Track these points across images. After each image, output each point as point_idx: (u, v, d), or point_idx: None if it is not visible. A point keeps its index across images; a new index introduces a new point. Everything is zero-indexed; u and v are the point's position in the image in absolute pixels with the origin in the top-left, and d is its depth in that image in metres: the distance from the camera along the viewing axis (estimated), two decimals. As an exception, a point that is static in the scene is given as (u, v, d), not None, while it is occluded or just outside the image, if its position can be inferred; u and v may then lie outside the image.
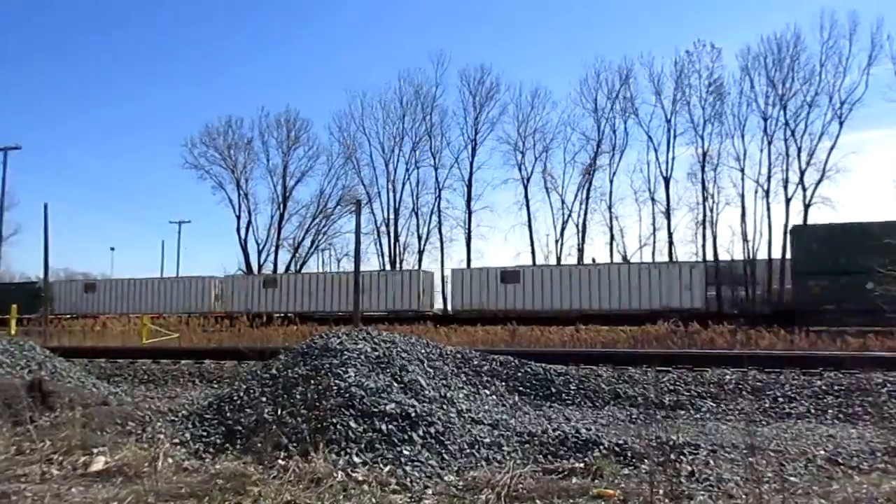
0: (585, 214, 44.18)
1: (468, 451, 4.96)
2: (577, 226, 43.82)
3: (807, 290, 25.31)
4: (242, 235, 51.47)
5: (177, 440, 5.38)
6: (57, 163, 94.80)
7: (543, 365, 8.44)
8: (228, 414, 5.70)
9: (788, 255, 30.25)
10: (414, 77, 49.90)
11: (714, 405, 7.65)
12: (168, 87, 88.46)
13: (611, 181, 43.65)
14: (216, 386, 9.43)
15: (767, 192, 39.65)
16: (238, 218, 51.57)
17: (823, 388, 8.02)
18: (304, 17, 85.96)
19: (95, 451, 5.01)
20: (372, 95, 53.33)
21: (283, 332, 24.78)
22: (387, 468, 4.52)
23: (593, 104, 44.48)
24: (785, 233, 33.01)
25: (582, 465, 4.74)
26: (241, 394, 6.00)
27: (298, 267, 48.61)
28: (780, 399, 7.74)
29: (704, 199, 41.16)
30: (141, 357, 12.10)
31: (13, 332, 22.15)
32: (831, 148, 37.68)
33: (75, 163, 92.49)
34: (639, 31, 73.33)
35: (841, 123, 37.41)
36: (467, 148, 47.07)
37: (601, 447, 5.12)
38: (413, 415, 5.20)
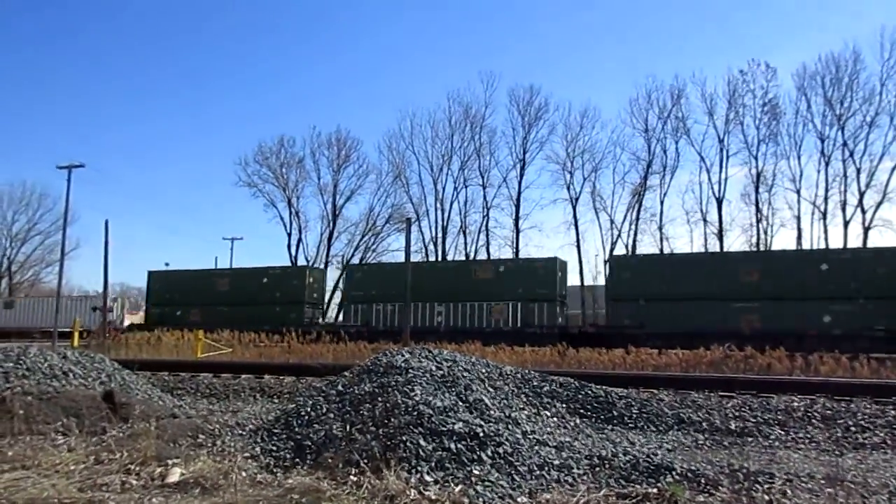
0: (635, 235, 43.86)
1: (538, 472, 4.92)
2: (626, 246, 43.47)
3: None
4: (293, 252, 52.54)
5: (247, 454, 5.47)
6: (115, 179, 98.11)
7: (605, 388, 8.34)
8: (297, 429, 5.77)
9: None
10: (463, 97, 50.59)
11: (783, 433, 7.43)
12: (223, 105, 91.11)
13: (661, 202, 43.35)
14: (276, 401, 9.57)
15: (825, 214, 38.85)
16: (289, 235, 52.71)
17: (899, 417, 7.74)
18: (355, 38, 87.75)
19: (170, 462, 5.12)
20: (421, 115, 54.20)
21: (333, 350, 25.03)
22: (458, 488, 4.51)
23: (644, 124, 44.36)
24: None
25: (655, 490, 4.65)
26: (309, 409, 6.08)
27: (346, 284, 49.39)
28: (853, 428, 7.48)
29: (758, 221, 40.54)
30: (202, 371, 12.38)
31: (75, 343, 22.88)
32: (893, 168, 36.77)
33: (133, 179, 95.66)
34: (691, 50, 73.04)
35: (903, 143, 36.51)
36: (516, 167, 47.32)
37: (673, 473, 5.02)
38: (481, 434, 5.19)
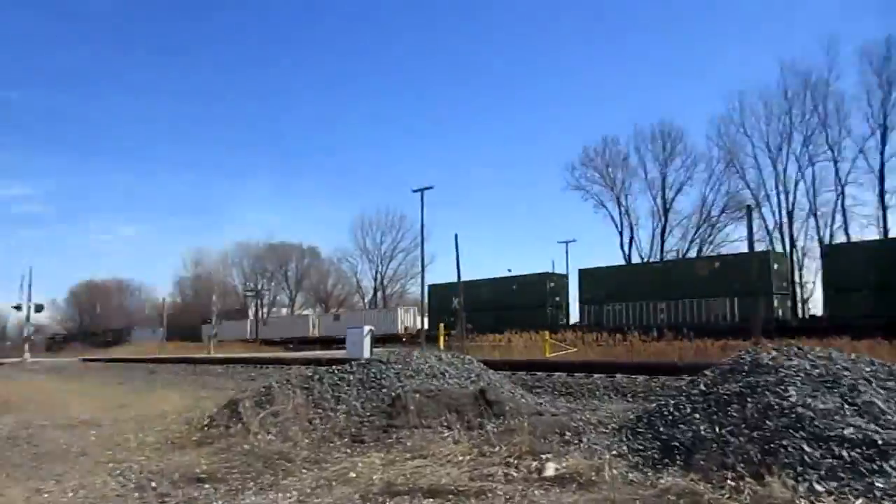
0: None
1: (964, 490, 4.16)
2: None
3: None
4: (626, 251, 52.35)
5: (615, 452, 5.54)
6: (462, 195, 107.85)
7: None
8: (661, 429, 5.69)
9: None
10: (800, 66, 45.31)
11: None
12: (548, 109, 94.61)
13: None
14: (631, 399, 9.58)
15: None
16: (620, 234, 52.62)
17: None
18: (670, 27, 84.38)
19: (544, 457, 5.43)
20: (751, 93, 49.43)
21: (679, 347, 24.27)
22: (859, 501, 4.03)
23: None
24: None
25: None
26: (671, 409, 5.95)
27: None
28: None
29: None
30: (555, 370, 12.94)
31: (441, 346, 25.57)
32: None
33: (475, 194, 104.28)
34: None
35: None
36: (875, 135, 41.00)
37: None
38: (880, 442, 4.57)
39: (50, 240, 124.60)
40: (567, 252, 56.77)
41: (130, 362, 31.65)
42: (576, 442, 6.01)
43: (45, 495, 5.13)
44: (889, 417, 5.20)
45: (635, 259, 50.64)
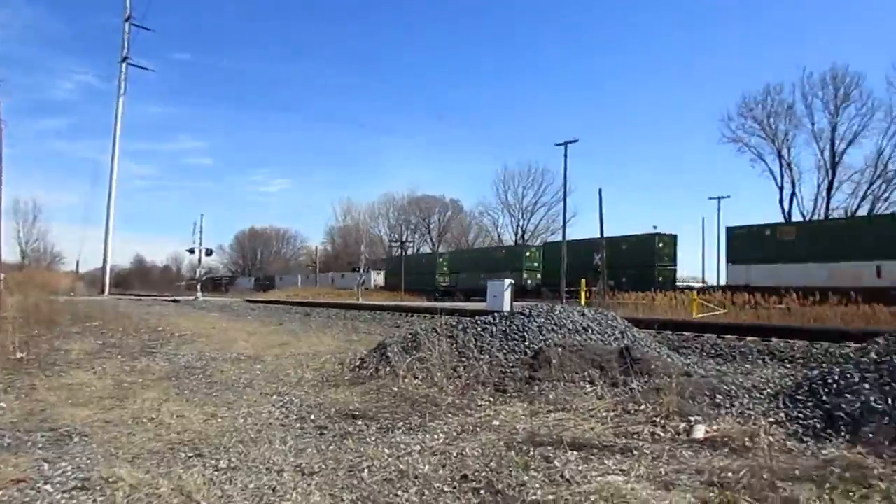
0: None
1: None
2: None
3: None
4: (786, 207, 48.97)
5: (771, 419, 5.27)
6: (608, 150, 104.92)
7: None
8: (825, 398, 5.32)
9: None
10: None
11: None
12: (702, 58, 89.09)
13: None
14: (789, 366, 9.03)
15: None
16: (780, 189, 49.19)
17: None
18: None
19: (692, 419, 5.26)
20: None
21: (841, 312, 22.58)
22: None
23: None
24: None
25: None
26: (836, 377, 5.55)
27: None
28: None
29: None
30: (704, 332, 12.42)
31: (582, 301, 25.26)
32: None
33: (620, 148, 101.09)
34: None
35: None
36: None
37: None
38: None
39: (219, 190, 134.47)
40: (719, 208, 54.05)
41: (286, 304, 33.87)
42: (727, 406, 5.76)
43: (219, 419, 5.64)
44: None
45: (796, 217, 47.23)
